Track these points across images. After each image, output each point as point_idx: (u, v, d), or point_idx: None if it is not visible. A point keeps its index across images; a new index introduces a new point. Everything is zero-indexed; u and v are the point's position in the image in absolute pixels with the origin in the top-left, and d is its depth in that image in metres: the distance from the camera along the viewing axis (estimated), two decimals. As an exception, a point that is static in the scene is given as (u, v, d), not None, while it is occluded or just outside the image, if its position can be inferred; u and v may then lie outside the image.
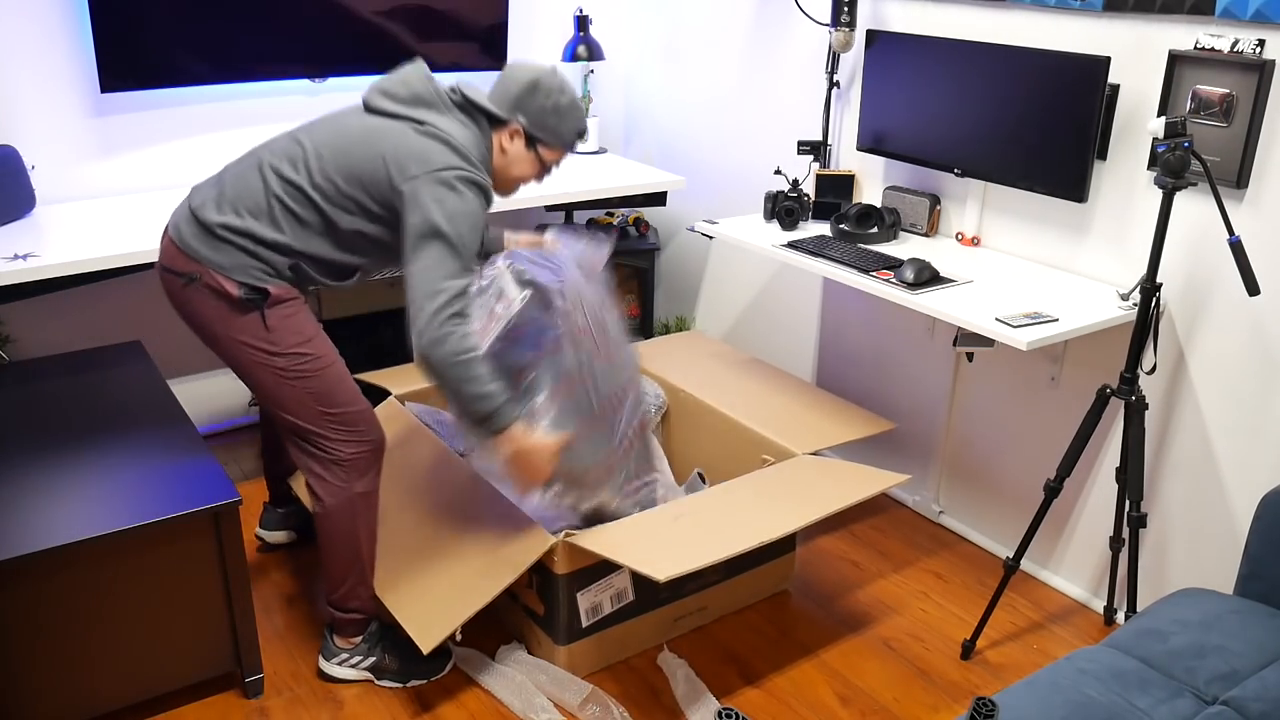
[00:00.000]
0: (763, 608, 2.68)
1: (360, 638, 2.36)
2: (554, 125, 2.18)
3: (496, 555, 2.26)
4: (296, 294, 2.17)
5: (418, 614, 2.22)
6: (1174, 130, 2.05)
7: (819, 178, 3.11)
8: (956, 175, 2.77)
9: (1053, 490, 2.34)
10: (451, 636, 2.46)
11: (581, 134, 2.23)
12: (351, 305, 3.35)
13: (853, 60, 3.09)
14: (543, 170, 2.24)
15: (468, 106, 2.15)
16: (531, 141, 2.18)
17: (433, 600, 2.24)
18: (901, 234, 2.97)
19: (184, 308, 2.17)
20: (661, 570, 2.02)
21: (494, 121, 2.17)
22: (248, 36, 3.09)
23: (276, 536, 2.84)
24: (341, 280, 2.22)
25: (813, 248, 2.77)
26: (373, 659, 2.35)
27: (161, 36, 2.97)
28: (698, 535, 2.20)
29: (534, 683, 2.34)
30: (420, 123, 2.07)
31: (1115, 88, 2.45)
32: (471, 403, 2.02)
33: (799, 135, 3.33)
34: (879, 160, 3.09)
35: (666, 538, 2.20)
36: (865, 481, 2.42)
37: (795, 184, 3.04)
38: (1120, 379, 2.26)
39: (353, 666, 2.36)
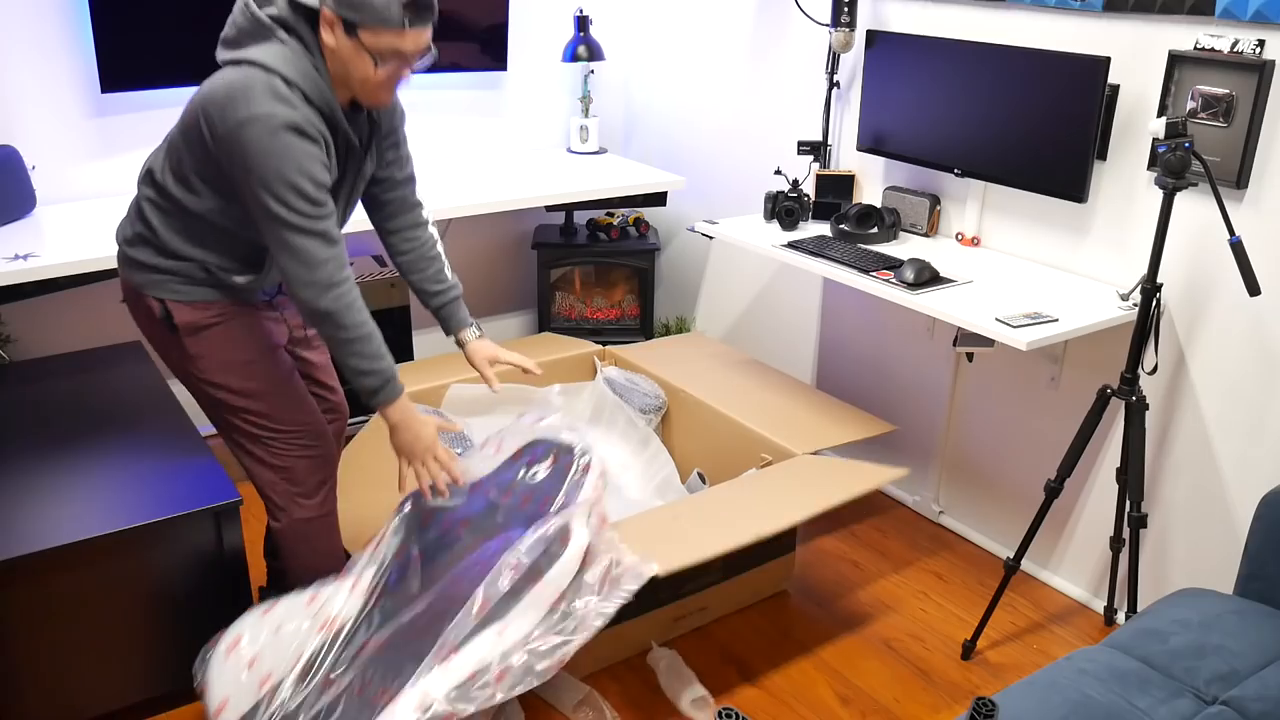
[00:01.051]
0: (762, 608, 2.68)
1: None
2: (359, 1, 1.79)
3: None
4: (220, 313, 2.05)
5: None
6: (1174, 130, 2.05)
7: (819, 178, 3.11)
8: (956, 175, 2.77)
9: (1053, 490, 2.34)
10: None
11: (409, 5, 1.81)
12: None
13: (853, 60, 3.09)
14: (381, 65, 1.85)
15: (287, 17, 1.85)
16: (350, 28, 1.82)
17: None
18: (901, 234, 2.97)
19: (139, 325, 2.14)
20: (659, 565, 2.01)
21: (315, 21, 1.86)
22: (248, 36, 3.09)
23: None
24: (260, 270, 2.07)
25: (813, 248, 2.77)
26: None
27: (161, 36, 2.97)
28: (697, 533, 2.20)
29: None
30: (237, 62, 1.83)
31: (1115, 88, 2.45)
32: (366, 374, 1.94)
33: (799, 135, 3.33)
34: (879, 160, 3.09)
35: (666, 536, 2.20)
36: (863, 477, 2.42)
37: (795, 184, 3.04)
38: (1120, 379, 2.26)
39: None
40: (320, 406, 2.34)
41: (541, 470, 2.15)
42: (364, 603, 2.05)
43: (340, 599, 2.04)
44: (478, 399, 3.01)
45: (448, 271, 2.28)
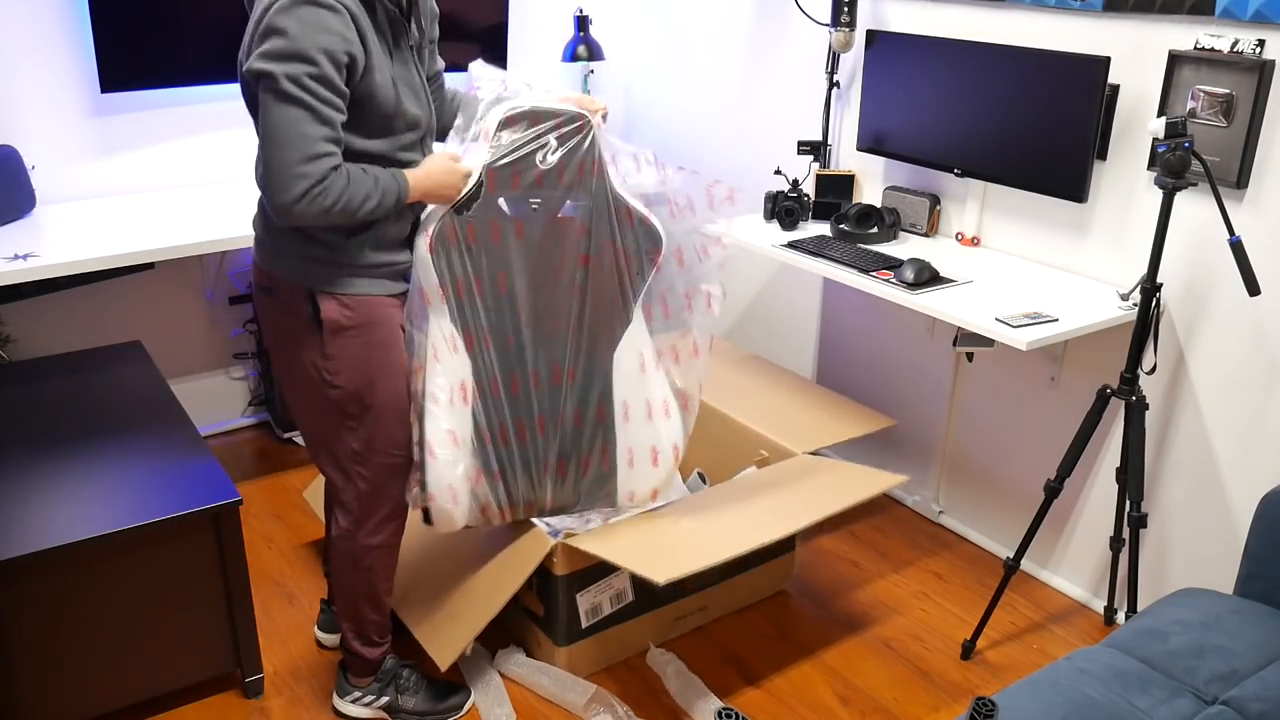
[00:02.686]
0: (762, 608, 2.68)
1: (371, 678, 2.25)
2: None
3: (500, 560, 2.26)
4: (366, 317, 1.95)
5: (430, 628, 2.23)
6: (1174, 130, 2.05)
7: (819, 178, 3.11)
8: (956, 175, 2.77)
9: (1053, 490, 2.34)
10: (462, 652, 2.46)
11: None
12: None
13: (853, 60, 3.09)
14: None
15: None
16: None
17: (442, 612, 2.25)
18: (901, 234, 2.97)
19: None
20: (661, 573, 2.02)
21: None
22: (248, 36, 3.09)
23: (332, 639, 2.50)
24: (400, 216, 1.96)
25: (813, 248, 2.77)
26: (386, 699, 2.25)
27: (161, 36, 2.97)
28: (697, 536, 2.20)
29: (534, 685, 2.34)
30: None
31: (1115, 88, 2.45)
32: (372, 213, 1.85)
33: (799, 135, 3.33)
34: (879, 160, 3.09)
35: (666, 539, 2.20)
36: (864, 483, 2.42)
37: (795, 184, 3.04)
38: (1120, 379, 2.26)
39: (366, 705, 2.25)
40: None
41: (551, 146, 2.08)
42: (470, 351, 2.06)
43: (452, 369, 2.04)
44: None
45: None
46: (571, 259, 2.10)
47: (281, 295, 1.96)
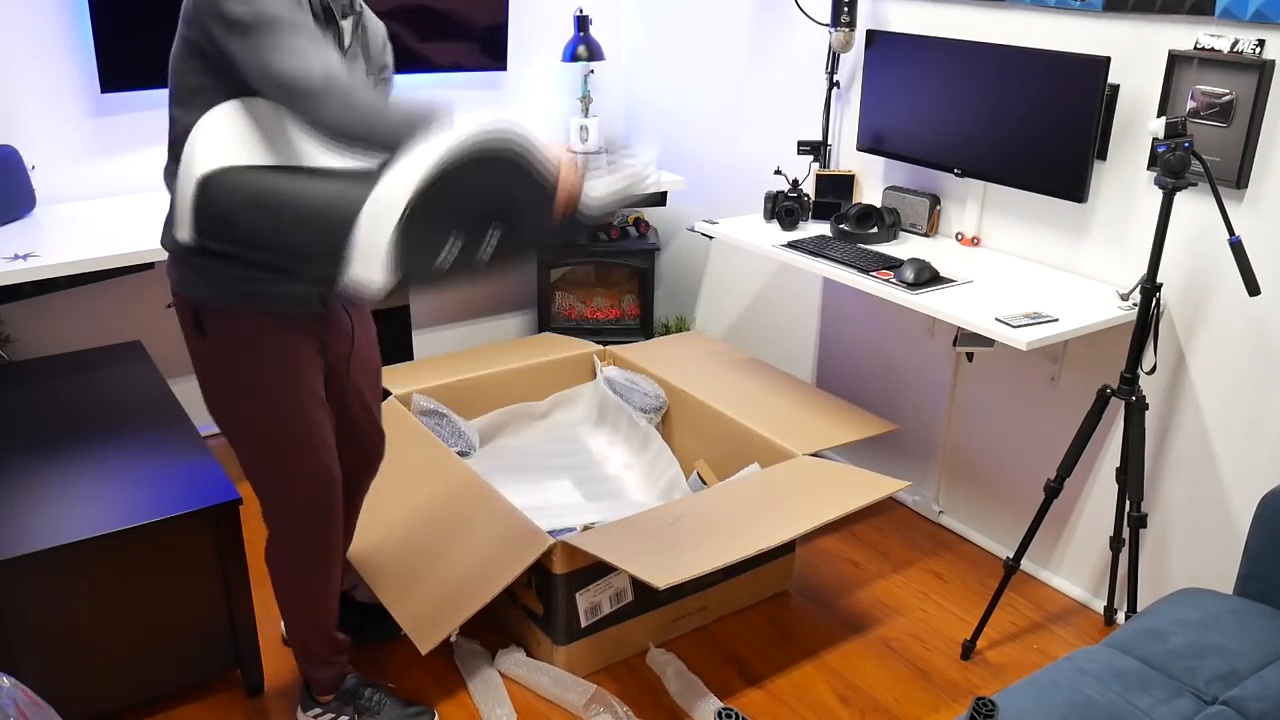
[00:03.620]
0: (763, 608, 2.68)
1: (332, 695, 2.17)
2: None
3: (495, 556, 2.26)
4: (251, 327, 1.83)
5: (415, 615, 2.22)
6: (1174, 130, 2.05)
7: (819, 178, 3.11)
8: (956, 175, 2.77)
9: (1053, 490, 2.34)
10: (447, 643, 2.46)
11: None
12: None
13: (853, 60, 3.09)
14: None
15: None
16: None
17: (431, 601, 2.23)
18: (901, 234, 2.97)
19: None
20: (661, 577, 2.01)
21: None
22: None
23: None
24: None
25: (813, 248, 2.77)
26: (345, 717, 2.18)
27: (161, 36, 2.97)
28: (697, 539, 2.20)
29: (534, 685, 2.34)
30: None
31: (1115, 88, 2.45)
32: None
33: (799, 135, 3.33)
34: (879, 160, 3.09)
35: (666, 540, 2.20)
36: (865, 487, 2.42)
37: (795, 184, 3.04)
38: (1120, 379, 2.26)
39: None
40: (351, 452, 2.16)
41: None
42: None
43: None
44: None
45: None
46: None
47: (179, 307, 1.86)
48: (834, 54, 3.09)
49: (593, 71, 3.92)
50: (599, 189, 1.64)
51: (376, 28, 1.94)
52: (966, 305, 2.41)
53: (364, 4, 1.88)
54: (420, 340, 3.77)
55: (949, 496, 3.10)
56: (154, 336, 3.32)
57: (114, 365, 2.68)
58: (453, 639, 2.46)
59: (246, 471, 1.96)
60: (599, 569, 2.33)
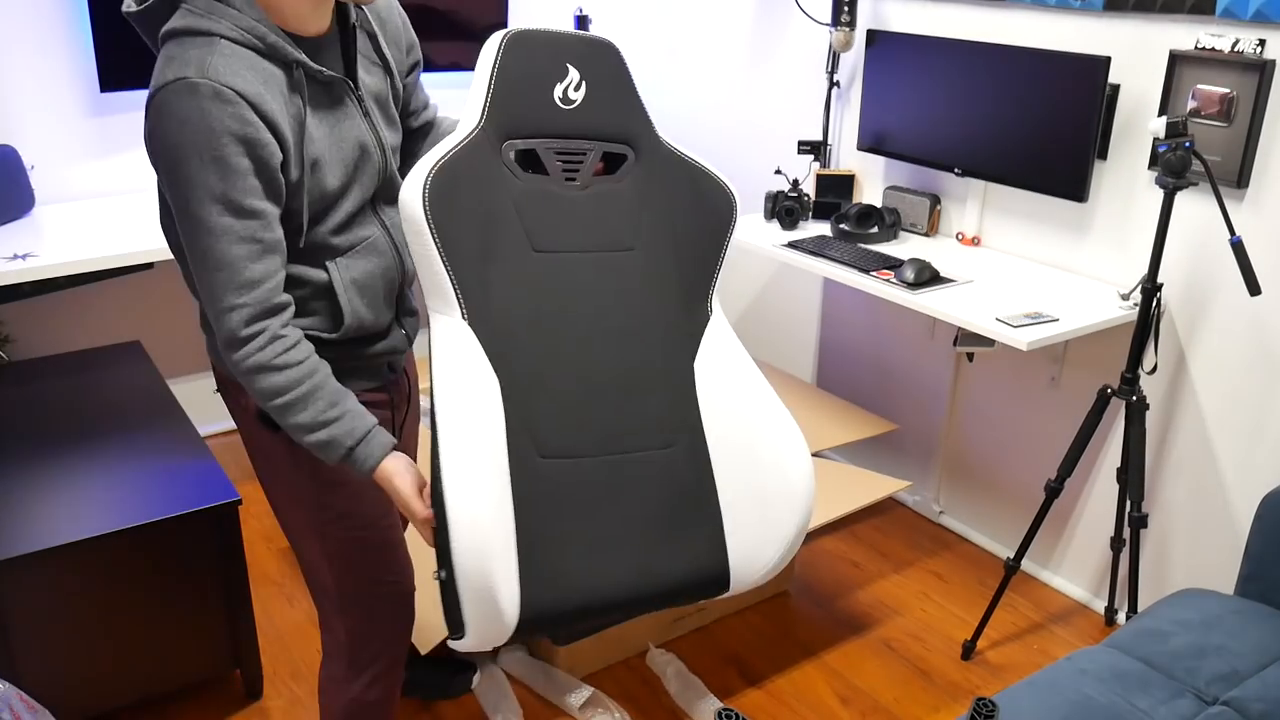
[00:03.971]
0: (763, 608, 2.68)
1: None
2: None
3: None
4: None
5: (417, 615, 2.22)
6: (1175, 130, 2.05)
7: (819, 178, 3.11)
8: (957, 175, 2.76)
9: (1053, 490, 2.34)
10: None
11: None
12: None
13: (853, 60, 3.09)
14: None
15: None
16: None
17: (432, 601, 2.24)
18: (901, 234, 2.97)
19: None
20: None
21: None
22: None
23: None
24: (339, 323, 1.54)
25: (813, 248, 2.77)
26: None
27: (161, 36, 2.97)
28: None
29: (534, 685, 2.34)
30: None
31: (1115, 88, 2.45)
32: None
33: (799, 135, 3.33)
34: (879, 160, 3.09)
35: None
36: (865, 487, 2.42)
37: (795, 184, 3.04)
38: (1121, 379, 2.26)
39: None
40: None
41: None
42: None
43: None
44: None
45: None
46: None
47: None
48: (834, 54, 3.09)
49: (593, 71, 3.92)
50: None
51: (389, 11, 1.66)
52: (967, 305, 2.40)
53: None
54: (420, 339, 3.76)
55: (949, 496, 3.10)
56: (154, 336, 3.32)
57: (114, 365, 2.68)
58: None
59: (315, 583, 1.68)
60: (599, 569, 2.33)
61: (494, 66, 1.49)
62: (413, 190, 1.40)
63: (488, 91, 1.49)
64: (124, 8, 1.45)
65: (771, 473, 1.51)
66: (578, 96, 1.58)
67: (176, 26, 1.38)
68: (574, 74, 1.58)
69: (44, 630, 2.01)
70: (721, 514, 1.52)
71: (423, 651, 2.14)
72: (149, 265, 2.77)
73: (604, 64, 1.61)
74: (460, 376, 1.40)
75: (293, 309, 1.45)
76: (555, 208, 1.52)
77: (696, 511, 1.50)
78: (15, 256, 2.53)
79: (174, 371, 3.40)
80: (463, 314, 1.43)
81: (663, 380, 1.53)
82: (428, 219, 1.41)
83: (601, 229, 1.54)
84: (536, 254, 1.49)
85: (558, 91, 1.56)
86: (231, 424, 3.53)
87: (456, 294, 1.43)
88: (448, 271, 1.42)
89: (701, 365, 1.56)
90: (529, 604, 1.38)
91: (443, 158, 1.43)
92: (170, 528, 2.07)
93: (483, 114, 1.48)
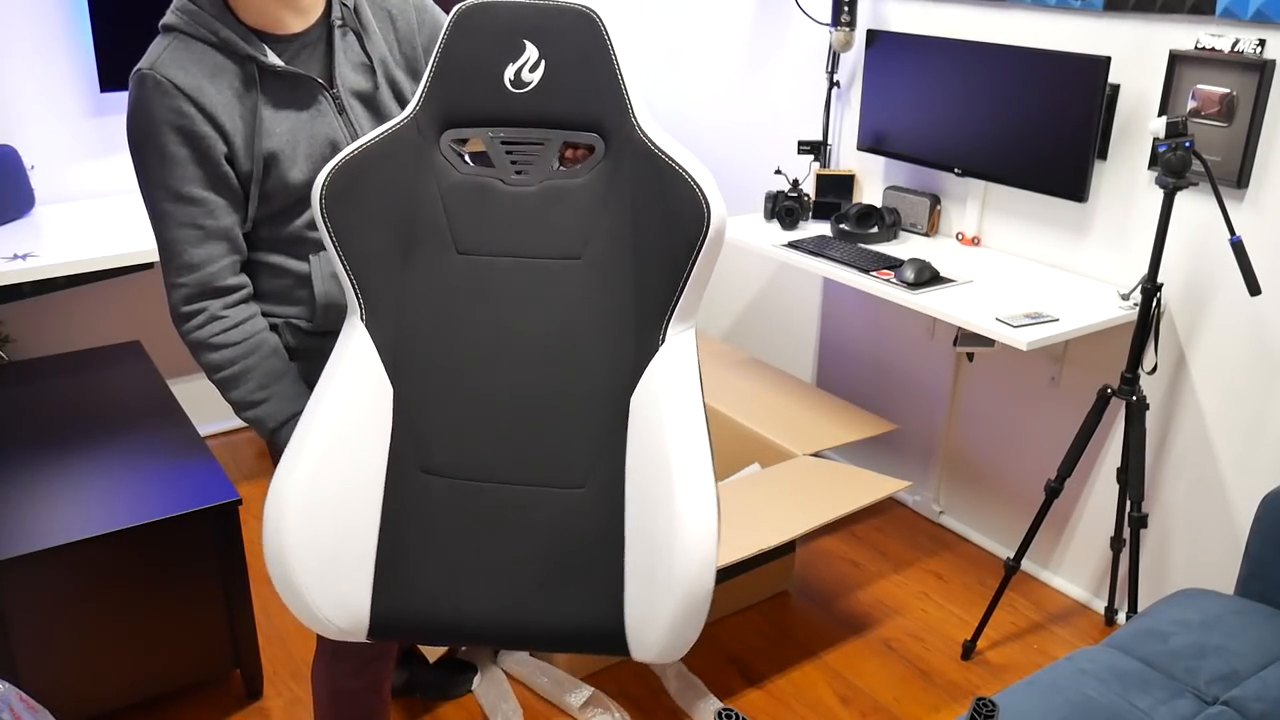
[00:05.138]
0: (763, 608, 2.68)
1: None
2: None
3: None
4: None
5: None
6: (1175, 130, 2.05)
7: (819, 177, 3.11)
8: (957, 175, 2.76)
9: (1053, 490, 2.34)
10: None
11: None
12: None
13: (853, 60, 3.09)
14: None
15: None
16: None
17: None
18: (901, 234, 2.97)
19: None
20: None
21: None
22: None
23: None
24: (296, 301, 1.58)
25: (813, 248, 2.77)
26: None
27: (161, 36, 2.97)
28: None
29: (534, 685, 2.34)
30: None
31: (1115, 88, 2.45)
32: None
33: (799, 135, 3.33)
34: (879, 160, 3.09)
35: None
36: (865, 487, 2.42)
37: (795, 184, 3.04)
38: (1121, 379, 2.26)
39: None
40: None
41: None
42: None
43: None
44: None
45: None
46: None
47: None
48: (834, 54, 3.09)
49: (593, 71, 3.92)
50: None
51: (402, 11, 1.61)
52: (967, 305, 2.40)
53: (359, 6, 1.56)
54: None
55: (949, 496, 3.10)
56: (154, 336, 3.32)
57: (114, 365, 2.68)
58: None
59: None
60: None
61: (440, 46, 1.37)
62: (314, 188, 1.37)
63: (428, 75, 1.38)
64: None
65: (676, 548, 1.28)
66: (533, 78, 1.37)
67: (160, 23, 1.54)
68: (531, 51, 1.37)
69: (44, 630, 2.02)
70: (624, 573, 1.34)
71: (431, 657, 2.14)
72: (149, 265, 2.77)
73: (571, 38, 1.36)
74: (342, 380, 1.35)
75: (244, 293, 1.51)
76: (490, 206, 1.37)
77: (595, 562, 1.35)
78: (15, 256, 2.53)
79: (174, 371, 3.40)
80: (361, 315, 1.37)
81: (583, 413, 1.35)
82: (324, 216, 1.36)
83: (544, 232, 1.37)
84: (460, 256, 1.37)
85: (509, 73, 1.37)
86: (232, 424, 3.54)
87: (356, 294, 1.38)
88: (347, 272, 1.37)
89: (639, 402, 1.34)
90: (380, 608, 1.35)
91: (352, 152, 1.37)
92: (170, 528, 2.07)
93: (419, 100, 1.38)
